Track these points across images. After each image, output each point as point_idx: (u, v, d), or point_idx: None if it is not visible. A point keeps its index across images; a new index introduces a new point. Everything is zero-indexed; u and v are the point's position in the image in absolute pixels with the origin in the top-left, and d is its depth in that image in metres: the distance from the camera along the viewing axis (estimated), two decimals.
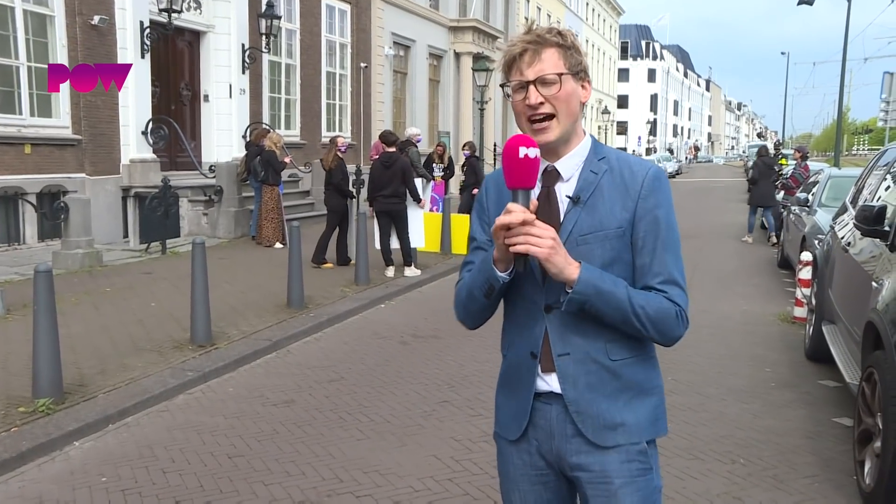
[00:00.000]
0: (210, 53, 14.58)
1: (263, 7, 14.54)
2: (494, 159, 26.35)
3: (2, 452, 4.09)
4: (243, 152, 13.09)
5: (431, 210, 11.73)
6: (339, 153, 10.13)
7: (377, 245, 9.71)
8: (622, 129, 71.79)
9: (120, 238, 12.06)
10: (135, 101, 12.04)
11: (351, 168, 10.78)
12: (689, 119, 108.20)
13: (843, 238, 5.79)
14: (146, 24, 12.28)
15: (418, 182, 10.07)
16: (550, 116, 1.77)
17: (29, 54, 10.74)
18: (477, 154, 14.34)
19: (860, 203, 5.67)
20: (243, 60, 14.73)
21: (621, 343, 1.80)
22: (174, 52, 14.01)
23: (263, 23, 14.50)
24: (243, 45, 14.70)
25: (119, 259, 10.37)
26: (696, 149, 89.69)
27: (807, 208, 10.12)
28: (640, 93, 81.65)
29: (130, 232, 12.21)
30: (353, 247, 9.77)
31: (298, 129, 17.28)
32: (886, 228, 4.58)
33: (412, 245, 9.82)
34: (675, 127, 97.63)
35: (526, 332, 1.86)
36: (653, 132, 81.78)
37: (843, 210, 6.56)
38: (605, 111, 50.77)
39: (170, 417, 4.91)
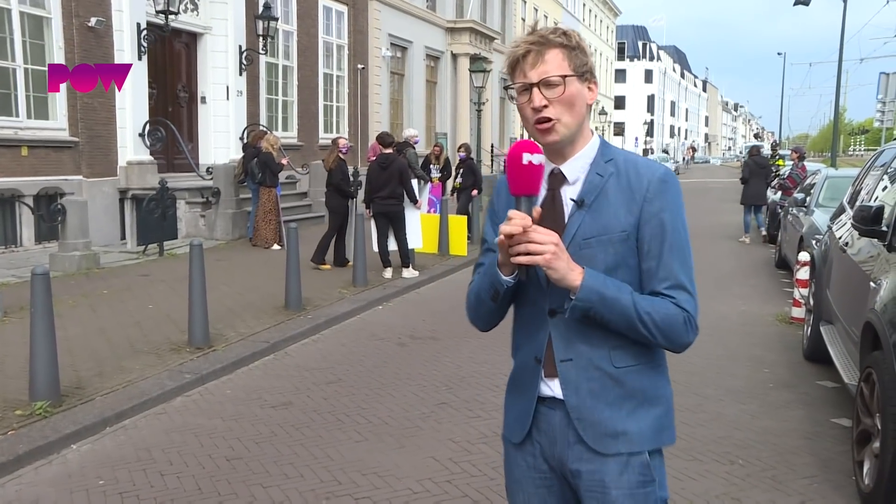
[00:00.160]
0: (207, 55, 14.56)
1: (260, 9, 14.53)
2: (492, 161, 26.37)
3: None
4: (240, 154, 13.08)
5: (429, 211, 11.72)
6: (340, 154, 10.17)
7: (375, 247, 9.70)
8: (619, 130, 71.80)
9: (117, 240, 12.04)
10: (132, 103, 12.02)
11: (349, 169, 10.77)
12: (686, 120, 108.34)
13: (840, 238, 5.80)
14: (143, 25, 12.26)
15: (415, 183, 10.07)
16: (556, 118, 1.73)
17: (26, 56, 10.72)
18: (472, 156, 14.31)
19: (858, 203, 5.67)
20: (240, 62, 14.72)
21: (626, 350, 1.76)
22: (171, 53, 13.99)
23: (260, 24, 14.48)
24: (240, 47, 14.69)
25: (116, 261, 10.35)
26: (694, 149, 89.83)
27: (804, 208, 10.13)
28: (636, 94, 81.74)
29: (128, 234, 12.19)
30: (350, 248, 9.76)
31: (296, 131, 17.26)
32: (884, 228, 4.58)
33: (409, 246, 9.81)
34: (672, 128, 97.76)
35: (531, 336, 1.84)
36: (650, 133, 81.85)
37: (841, 210, 6.56)
38: (602, 112, 50.80)
39: (167, 420, 4.90)
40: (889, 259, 4.35)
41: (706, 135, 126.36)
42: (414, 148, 12.75)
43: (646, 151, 73.98)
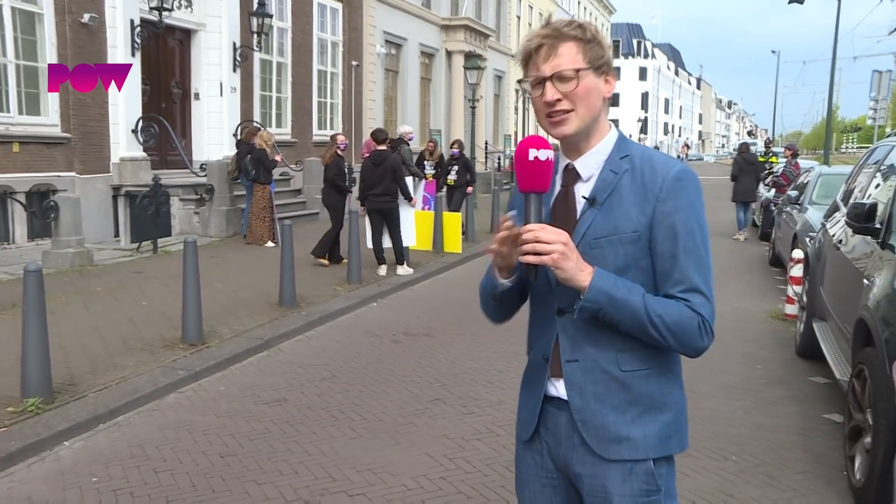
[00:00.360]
0: (201, 52, 14.53)
1: (255, 5, 14.48)
2: (486, 158, 26.36)
3: None
4: (234, 151, 13.05)
5: (423, 208, 11.71)
6: (338, 151, 10.20)
7: (369, 244, 9.69)
8: None
9: (111, 237, 12.00)
10: (125, 99, 11.97)
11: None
12: (680, 117, 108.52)
13: (834, 236, 5.81)
14: (137, 22, 12.22)
15: (409, 180, 10.06)
16: (569, 111, 1.69)
17: (17, 52, 10.68)
18: (465, 152, 14.29)
19: (851, 201, 5.69)
20: (234, 59, 14.68)
21: (635, 354, 1.71)
22: (165, 50, 13.95)
23: (255, 21, 14.44)
24: (234, 44, 14.65)
25: (110, 258, 10.32)
26: (687, 147, 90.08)
27: (798, 206, 10.15)
28: (631, 91, 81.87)
29: (121, 231, 12.15)
30: (345, 245, 9.75)
31: (290, 128, 17.24)
32: (877, 226, 4.60)
33: (403, 244, 9.81)
34: (665, 125, 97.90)
35: (541, 335, 1.83)
36: (644, 130, 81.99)
37: (835, 208, 6.58)
38: None
39: (161, 416, 4.89)
40: (882, 256, 4.37)
41: (700, 132, 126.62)
42: (408, 144, 12.74)
43: None
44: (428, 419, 4.85)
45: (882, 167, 5.51)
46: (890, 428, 3.44)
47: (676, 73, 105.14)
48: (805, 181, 11.25)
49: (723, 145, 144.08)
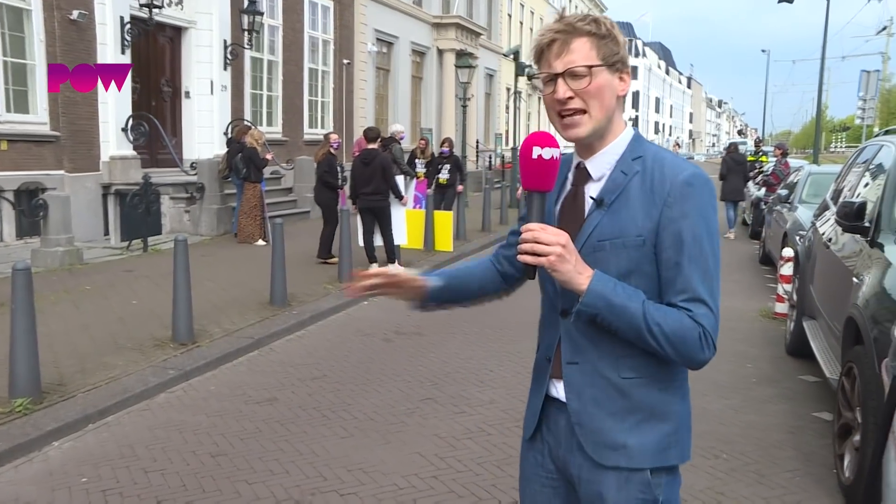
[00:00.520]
0: (191, 49, 14.45)
1: (246, 3, 14.43)
2: (477, 157, 26.35)
3: None
4: (225, 149, 13.01)
5: (414, 207, 11.70)
6: (331, 150, 10.23)
7: (360, 242, 9.67)
8: None
9: (101, 236, 11.93)
10: (114, 97, 11.89)
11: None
12: (671, 116, 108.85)
13: (824, 234, 5.84)
14: (126, 19, 12.14)
15: (400, 179, 10.04)
16: (581, 111, 1.64)
17: (5, 49, 10.59)
18: (454, 151, 14.26)
19: (840, 200, 5.72)
20: (225, 56, 14.61)
21: (636, 361, 1.66)
22: (155, 47, 13.87)
23: (246, 19, 14.39)
24: (225, 41, 14.58)
25: (100, 257, 10.27)
26: (678, 146, 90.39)
27: (788, 205, 10.20)
28: None
29: (111, 229, 12.08)
30: (336, 244, 9.72)
31: (280, 126, 17.18)
32: (867, 224, 4.62)
33: (395, 242, 9.80)
34: (656, 124, 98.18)
35: (546, 335, 1.81)
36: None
37: (825, 207, 6.62)
38: None
39: (151, 416, 4.87)
40: (871, 255, 4.39)
41: (690, 131, 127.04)
42: (400, 143, 12.72)
43: None
44: (419, 418, 4.84)
45: (871, 166, 5.54)
46: (879, 426, 3.45)
47: (667, 72, 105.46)
48: (795, 180, 11.30)
49: (713, 144, 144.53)
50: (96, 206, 11.94)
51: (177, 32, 14.34)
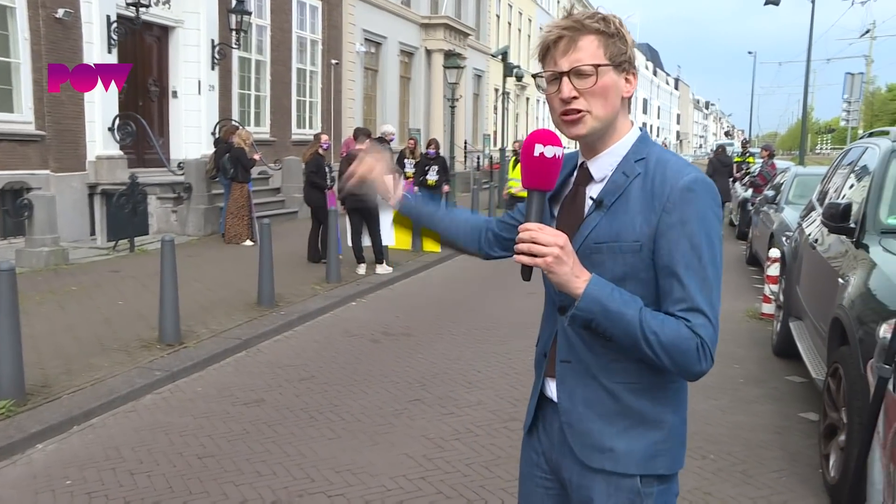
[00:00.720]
0: (179, 49, 14.38)
1: (233, 2, 14.37)
2: (465, 157, 26.36)
3: None
4: (212, 149, 12.94)
5: None
6: (320, 150, 10.23)
7: (348, 242, 9.66)
8: None
9: (87, 236, 11.85)
10: (101, 96, 11.79)
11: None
12: (658, 117, 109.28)
13: (810, 235, 5.88)
14: (113, 18, 12.06)
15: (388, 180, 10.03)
16: (586, 111, 1.60)
17: None
18: (440, 152, 14.23)
19: (826, 201, 5.75)
20: (213, 56, 14.54)
21: (628, 366, 1.63)
22: (142, 47, 13.78)
23: (233, 18, 14.32)
24: (213, 41, 14.52)
25: (86, 257, 10.19)
26: (665, 147, 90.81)
27: (774, 205, 10.26)
28: None
29: (97, 229, 12.00)
30: (324, 244, 9.70)
31: (268, 126, 17.12)
32: (852, 225, 4.65)
33: (382, 242, 9.79)
34: (644, 125, 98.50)
35: (545, 330, 1.80)
36: None
37: (811, 208, 6.66)
38: None
39: (137, 418, 4.83)
40: (857, 256, 4.42)
41: (678, 132, 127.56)
42: (389, 144, 12.70)
43: None
44: (407, 419, 4.83)
45: (856, 168, 5.58)
46: (864, 426, 3.47)
47: (655, 74, 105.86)
48: (781, 181, 11.37)
49: (700, 146, 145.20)
50: (82, 206, 11.85)
51: (164, 32, 14.27)
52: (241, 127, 13.27)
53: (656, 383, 1.65)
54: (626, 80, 1.63)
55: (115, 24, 12.04)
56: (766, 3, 24.22)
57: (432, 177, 12.96)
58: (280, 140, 17.32)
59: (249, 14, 14.92)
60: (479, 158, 27.33)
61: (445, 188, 13.17)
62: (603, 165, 1.66)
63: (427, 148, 13.39)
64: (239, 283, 8.48)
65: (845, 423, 3.71)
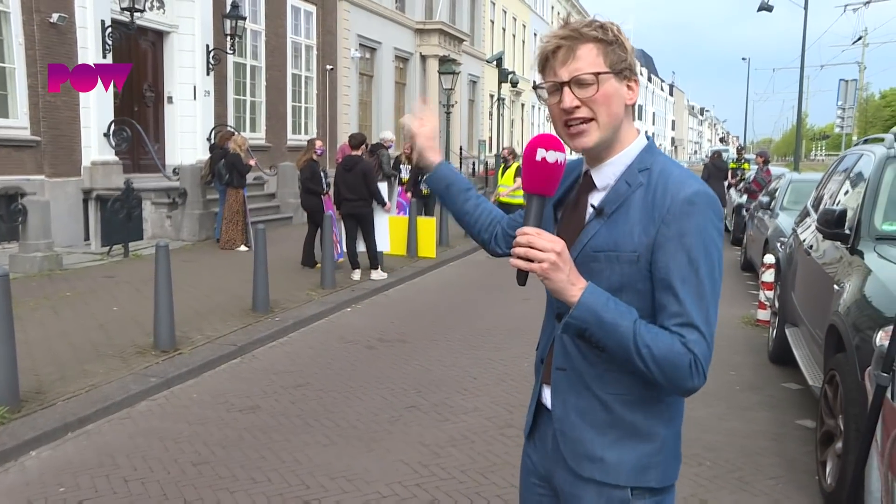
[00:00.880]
0: (174, 54, 14.36)
1: (228, 7, 14.37)
2: (460, 163, 26.38)
3: None
4: (207, 155, 12.92)
5: (398, 214, 11.67)
6: (314, 155, 10.23)
7: (344, 248, 9.64)
8: None
9: (81, 241, 11.81)
10: (96, 102, 11.79)
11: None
12: (654, 124, 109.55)
13: (805, 241, 5.89)
14: (108, 23, 12.04)
15: (384, 186, 10.03)
16: (589, 119, 1.58)
17: None
18: None
19: (821, 207, 5.77)
20: (208, 62, 14.54)
21: (621, 377, 1.61)
22: (137, 52, 13.77)
23: (228, 24, 14.32)
24: (208, 46, 14.51)
25: (80, 262, 10.16)
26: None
27: (769, 212, 10.29)
28: None
29: (92, 235, 11.96)
30: (318, 250, 9.68)
31: (264, 132, 17.11)
32: (847, 231, 4.66)
33: (377, 248, 9.78)
34: (639, 131, 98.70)
35: (544, 336, 1.79)
36: None
37: (805, 214, 6.67)
38: None
39: (132, 424, 4.81)
40: (852, 262, 4.43)
41: (673, 138, 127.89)
42: (388, 150, 12.73)
43: None
44: (402, 426, 4.82)
45: (851, 174, 5.60)
46: (861, 433, 3.47)
47: (649, 80, 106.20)
48: (776, 187, 11.40)
49: (695, 152, 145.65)
50: (77, 212, 11.82)
51: (159, 37, 14.25)
52: (236, 132, 13.27)
53: (650, 396, 1.63)
54: (628, 87, 1.62)
55: (109, 29, 12.03)
56: (759, 10, 24.36)
57: (426, 186, 12.93)
58: (275, 146, 17.31)
59: (244, 19, 14.93)
60: (474, 164, 27.36)
61: None
62: (606, 174, 1.65)
63: None
64: (234, 289, 8.46)
65: (842, 431, 3.71)
